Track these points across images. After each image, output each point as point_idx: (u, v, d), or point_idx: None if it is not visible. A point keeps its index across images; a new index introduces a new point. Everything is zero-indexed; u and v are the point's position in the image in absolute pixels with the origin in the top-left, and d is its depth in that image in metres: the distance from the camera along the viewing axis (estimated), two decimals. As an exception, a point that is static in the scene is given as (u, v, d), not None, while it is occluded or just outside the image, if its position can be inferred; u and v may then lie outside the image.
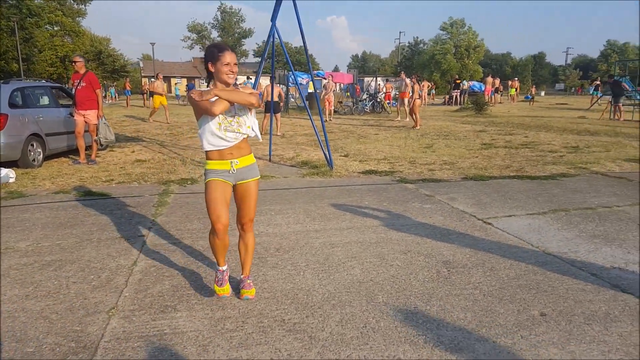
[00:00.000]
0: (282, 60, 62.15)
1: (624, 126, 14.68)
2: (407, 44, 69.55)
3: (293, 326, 2.73)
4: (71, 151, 8.94)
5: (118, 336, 2.62)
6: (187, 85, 29.50)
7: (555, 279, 3.34)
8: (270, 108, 10.01)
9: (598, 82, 27.41)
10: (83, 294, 3.14)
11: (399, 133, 13.32)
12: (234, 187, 2.94)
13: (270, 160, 8.57)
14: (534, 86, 44.43)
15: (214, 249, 2.97)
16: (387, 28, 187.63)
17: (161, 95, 17.26)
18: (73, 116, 8.08)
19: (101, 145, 8.48)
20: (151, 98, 27.97)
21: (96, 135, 8.12)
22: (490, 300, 3.02)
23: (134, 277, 3.41)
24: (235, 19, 59.04)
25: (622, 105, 17.37)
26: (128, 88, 30.99)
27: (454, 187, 6.39)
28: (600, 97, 25.82)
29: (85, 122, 7.98)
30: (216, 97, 2.70)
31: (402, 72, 21.02)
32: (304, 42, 7.34)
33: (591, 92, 29.45)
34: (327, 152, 7.66)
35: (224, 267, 3.03)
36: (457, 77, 34.68)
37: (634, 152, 9.18)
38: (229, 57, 2.75)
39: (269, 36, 7.42)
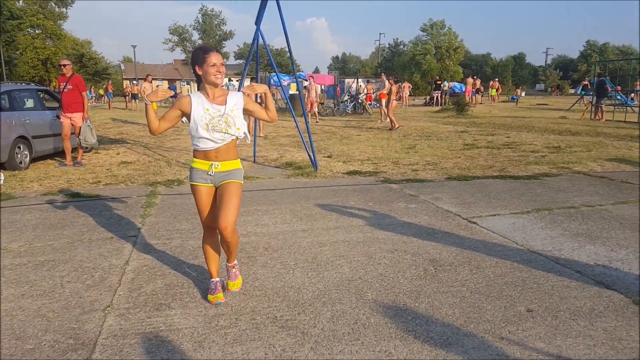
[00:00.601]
0: (263, 62, 62.31)
1: (605, 126, 15.04)
2: (387, 46, 70.16)
3: (285, 323, 2.75)
4: (57, 153, 8.86)
5: (115, 333, 2.63)
6: (169, 88, 29.31)
7: (541, 276, 3.42)
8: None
9: (586, 82, 27.73)
10: (78, 293, 3.15)
11: (381, 134, 13.41)
12: (217, 188, 2.93)
13: (254, 161, 8.55)
14: (519, 87, 45.39)
15: (207, 256, 3.04)
16: (367, 30, 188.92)
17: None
18: (59, 118, 7.98)
19: (84, 148, 8.37)
20: (134, 100, 27.71)
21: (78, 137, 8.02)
22: (478, 297, 3.07)
23: (127, 277, 3.41)
24: (216, 22, 58.76)
25: (604, 105, 17.79)
26: (110, 90, 30.62)
27: (438, 187, 6.46)
28: (583, 95, 26.31)
29: (72, 124, 7.89)
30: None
31: (383, 73, 21.19)
32: (288, 44, 7.35)
33: (579, 92, 29.90)
34: (311, 153, 7.68)
35: (217, 279, 3.06)
36: (437, 78, 35.03)
37: (615, 152, 9.41)
38: (214, 57, 2.76)
39: (253, 39, 7.42)
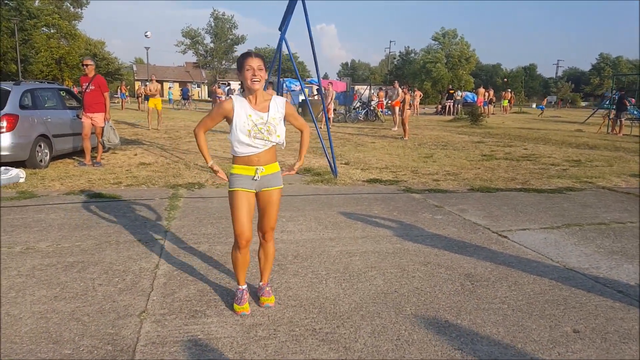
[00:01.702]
0: (274, 67, 62.52)
1: (623, 140, 14.87)
2: (398, 53, 70.16)
3: (325, 336, 2.67)
4: (75, 153, 8.86)
5: (153, 340, 2.58)
6: (181, 90, 29.44)
7: (582, 295, 3.32)
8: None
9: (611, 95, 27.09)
10: (111, 297, 3.10)
11: (395, 142, 13.33)
12: (257, 194, 2.90)
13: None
14: (546, 97, 45.48)
15: (235, 264, 2.95)
16: (376, 37, 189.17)
17: (154, 97, 16.17)
18: (80, 118, 7.99)
19: (105, 148, 8.38)
20: (146, 102, 27.84)
21: (101, 138, 8.01)
22: (520, 316, 2.98)
23: (159, 281, 3.36)
24: (227, 26, 58.97)
25: (624, 120, 17.60)
26: (123, 91, 30.77)
27: (461, 198, 6.37)
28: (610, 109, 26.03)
29: (92, 124, 7.89)
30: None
31: (396, 81, 21.11)
32: (313, 50, 7.30)
33: (604, 106, 29.16)
34: (331, 160, 7.61)
35: (244, 287, 3.00)
36: (450, 87, 34.93)
37: (637, 168, 9.27)
38: (251, 61, 2.69)
39: (278, 45, 7.40)
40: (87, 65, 7.85)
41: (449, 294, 3.29)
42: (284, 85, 25.12)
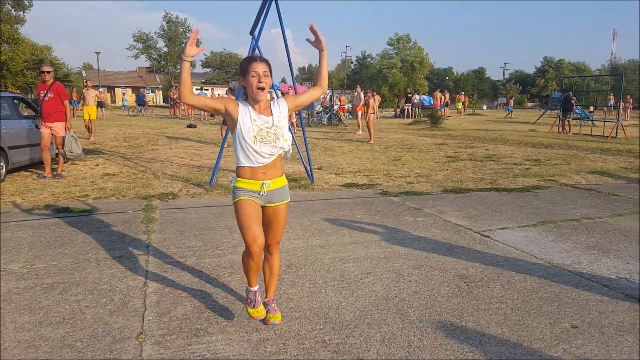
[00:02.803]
0: (231, 71, 61.70)
1: (574, 139, 15.65)
2: (355, 58, 71.08)
3: (337, 347, 2.63)
4: (31, 165, 8.37)
5: (157, 365, 2.42)
6: (137, 96, 28.48)
7: (571, 290, 3.45)
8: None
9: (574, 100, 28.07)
10: (102, 319, 2.91)
11: (362, 146, 13.47)
12: (263, 207, 2.75)
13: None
14: (512, 98, 46.99)
15: (247, 269, 2.78)
16: (332, 42, 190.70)
17: (89, 105, 14.75)
18: (39, 128, 7.54)
19: (66, 159, 7.96)
20: (99, 108, 26.75)
21: (62, 148, 7.60)
22: (520, 315, 3.06)
23: (151, 299, 3.20)
24: (181, 29, 57.78)
25: (571, 119, 18.54)
26: (75, 98, 29.45)
27: (437, 199, 6.50)
28: (546, 110, 27.30)
29: (52, 134, 7.48)
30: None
31: (358, 85, 21.34)
32: (288, 53, 7.26)
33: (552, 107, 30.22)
34: (307, 166, 7.58)
35: (256, 288, 2.83)
36: (408, 90, 35.71)
37: (593, 165, 9.78)
38: (257, 67, 2.56)
39: (250, 50, 7.30)
40: (47, 72, 7.44)
41: (448, 296, 3.34)
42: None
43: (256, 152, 2.61)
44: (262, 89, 2.59)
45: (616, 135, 16.49)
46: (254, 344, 2.65)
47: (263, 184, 2.65)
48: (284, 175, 2.81)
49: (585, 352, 2.60)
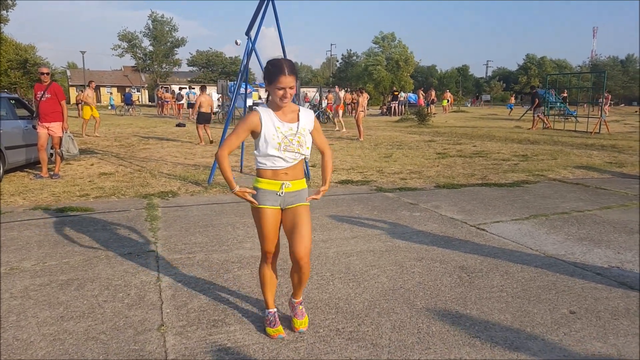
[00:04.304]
0: (217, 70, 61.32)
1: (558, 135, 16.02)
2: (340, 56, 71.31)
3: (350, 335, 2.76)
4: (27, 165, 8.35)
5: (183, 353, 2.55)
6: (124, 95, 28.19)
7: (567, 279, 3.62)
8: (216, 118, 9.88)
9: (565, 94, 28.37)
10: (121, 313, 3.01)
11: (352, 143, 13.62)
12: (283, 211, 2.71)
13: (241, 171, 8.44)
14: (512, 95, 46.99)
15: (264, 282, 2.81)
16: (317, 40, 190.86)
17: (90, 105, 15.43)
18: (35, 128, 7.54)
19: (63, 159, 7.96)
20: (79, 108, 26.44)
21: (59, 148, 7.60)
22: (521, 302, 3.22)
23: (166, 293, 3.30)
24: (167, 28, 57.34)
25: (543, 115, 19.12)
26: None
27: (432, 195, 6.67)
28: (530, 107, 27.75)
29: (49, 134, 7.48)
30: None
31: (337, 85, 21.44)
32: (284, 52, 7.35)
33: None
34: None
35: (274, 310, 2.84)
36: (395, 89, 36.00)
37: (579, 160, 10.07)
38: (284, 80, 2.50)
39: (245, 50, 7.39)
40: (46, 73, 7.46)
41: (451, 286, 3.49)
42: (232, 88, 24.81)
43: (279, 157, 2.60)
44: (287, 99, 2.56)
45: (599, 130, 16.92)
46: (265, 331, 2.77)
47: (282, 184, 2.63)
48: (304, 179, 2.78)
49: (584, 335, 2.77)
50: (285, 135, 2.59)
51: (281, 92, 2.53)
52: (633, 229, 4.95)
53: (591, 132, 16.63)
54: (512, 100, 41.13)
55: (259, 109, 2.65)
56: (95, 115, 15.59)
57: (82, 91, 31.12)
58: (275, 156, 2.59)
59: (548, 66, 70.91)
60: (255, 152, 2.66)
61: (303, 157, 2.68)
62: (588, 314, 3.04)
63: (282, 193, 2.64)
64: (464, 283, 3.54)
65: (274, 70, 2.54)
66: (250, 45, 7.27)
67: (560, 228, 5.00)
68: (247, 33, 7.22)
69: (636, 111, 37.79)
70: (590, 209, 5.78)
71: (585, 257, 4.11)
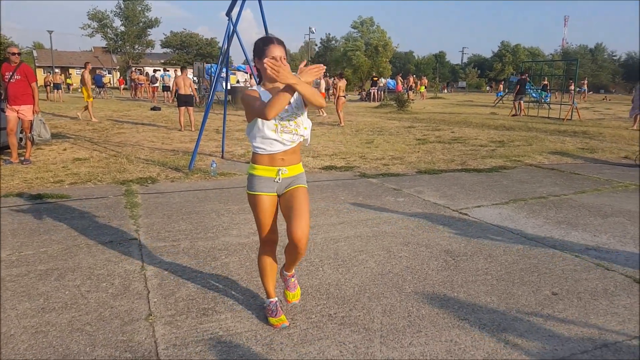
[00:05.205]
0: (192, 52, 60.03)
1: (532, 121, 16.35)
2: (319, 40, 70.72)
3: (343, 319, 2.79)
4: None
5: (173, 342, 2.52)
6: (94, 77, 27.29)
7: (548, 261, 3.74)
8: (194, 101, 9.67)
9: (546, 82, 28.44)
10: (106, 303, 2.95)
11: (333, 129, 13.61)
12: (280, 197, 2.66)
13: (222, 157, 8.35)
14: (501, 83, 47.14)
15: (264, 271, 2.77)
16: (295, 23, 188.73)
17: (88, 88, 15.01)
18: (4, 111, 7.24)
19: (34, 143, 7.69)
20: (55, 90, 25.69)
21: (29, 132, 7.34)
22: (505, 285, 3.31)
23: (152, 282, 3.25)
24: (140, 7, 55.65)
25: (523, 102, 19.45)
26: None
27: (414, 180, 6.74)
28: (507, 93, 28.17)
29: (19, 118, 7.20)
30: (266, 99, 2.42)
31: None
32: (266, 32, 7.23)
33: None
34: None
35: (275, 299, 2.81)
36: (374, 74, 36.00)
37: (553, 146, 10.32)
38: (275, 50, 2.45)
39: (226, 31, 7.24)
40: (15, 53, 7.14)
41: (437, 270, 3.55)
42: (209, 70, 24.38)
43: (276, 139, 2.52)
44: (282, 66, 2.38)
45: (571, 117, 17.34)
46: (264, 320, 2.77)
47: (279, 170, 2.56)
48: (301, 163, 2.72)
49: (567, 315, 2.87)
50: (282, 116, 2.52)
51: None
52: (607, 212, 5.12)
53: (563, 119, 17.03)
54: (501, 88, 41.56)
55: (257, 88, 2.57)
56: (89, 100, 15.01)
57: (49, 73, 30.16)
58: (272, 139, 2.52)
59: (522, 54, 72.00)
60: (249, 137, 2.60)
61: (301, 139, 2.61)
62: (569, 295, 3.15)
63: (278, 180, 2.58)
64: (450, 267, 3.61)
65: (262, 42, 2.54)
66: (232, 26, 7.12)
67: (538, 212, 5.13)
68: (228, 14, 7.07)
69: (603, 99, 38.89)
70: (566, 194, 5.95)
71: (564, 240, 4.24)
